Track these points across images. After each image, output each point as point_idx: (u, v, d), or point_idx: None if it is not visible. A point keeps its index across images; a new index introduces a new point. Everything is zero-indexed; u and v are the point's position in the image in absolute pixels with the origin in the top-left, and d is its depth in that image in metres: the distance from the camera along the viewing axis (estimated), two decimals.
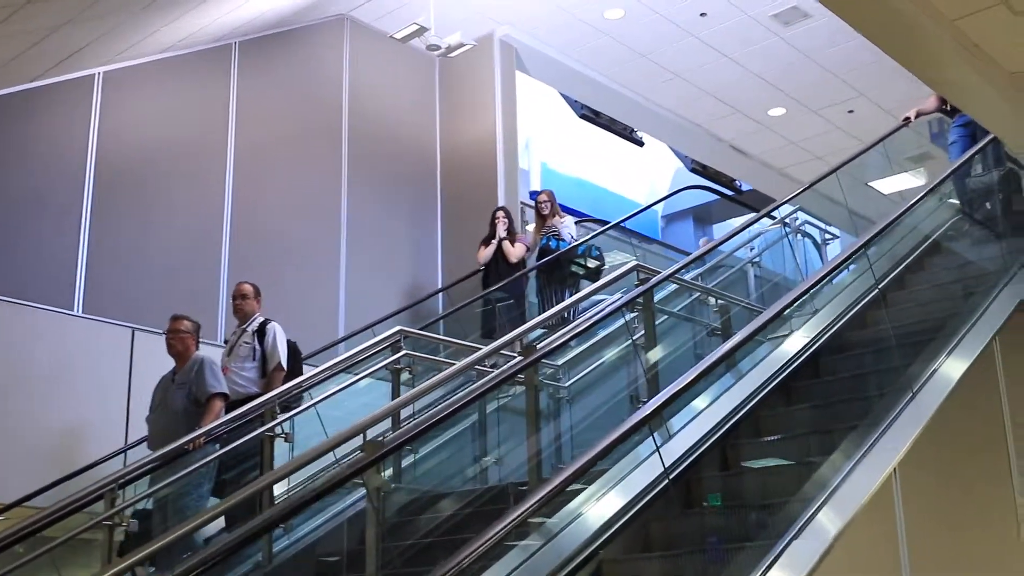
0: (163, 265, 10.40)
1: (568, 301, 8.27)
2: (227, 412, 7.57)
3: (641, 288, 6.63)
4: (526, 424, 6.64)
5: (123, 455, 8.79)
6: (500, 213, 11.60)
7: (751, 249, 10.16)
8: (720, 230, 20.67)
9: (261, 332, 8.32)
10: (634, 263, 7.43)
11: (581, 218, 13.99)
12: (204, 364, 7.63)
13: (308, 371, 8.71)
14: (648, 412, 4.84)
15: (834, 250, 11.14)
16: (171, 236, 10.56)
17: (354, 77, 12.73)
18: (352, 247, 12.07)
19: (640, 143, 16.88)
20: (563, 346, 6.69)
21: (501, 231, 11.40)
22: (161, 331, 9.70)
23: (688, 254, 15.04)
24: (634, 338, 7.12)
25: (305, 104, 12.24)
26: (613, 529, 5.30)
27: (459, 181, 13.16)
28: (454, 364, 8.36)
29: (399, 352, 8.06)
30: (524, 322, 10.56)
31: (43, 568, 6.87)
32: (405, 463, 7.43)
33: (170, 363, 8.03)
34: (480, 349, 8.05)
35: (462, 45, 11.49)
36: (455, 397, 6.37)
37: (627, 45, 13.45)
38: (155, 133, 10.75)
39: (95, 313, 9.70)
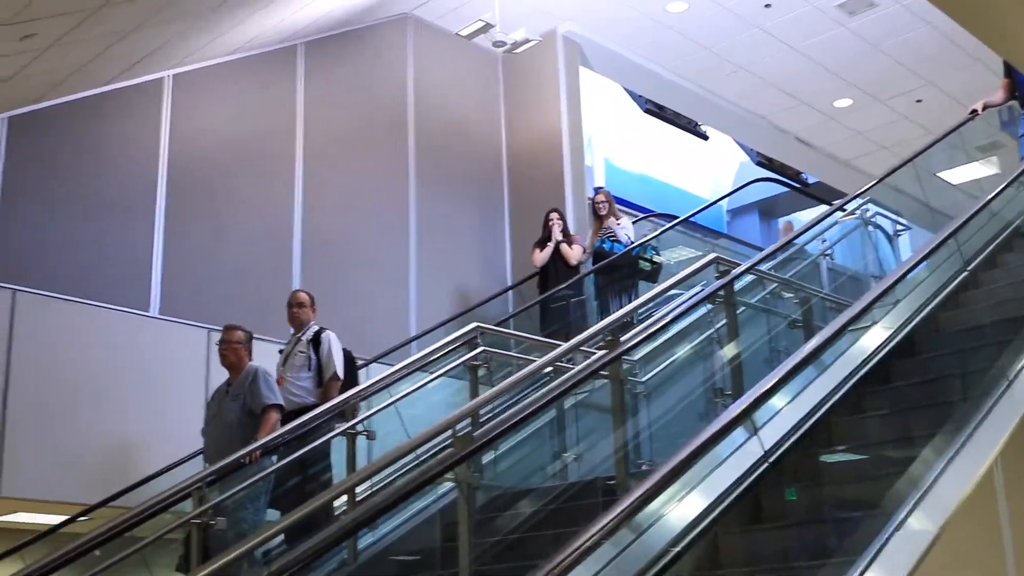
0: (236, 265, 10.47)
1: (647, 295, 8.14)
2: (283, 423, 7.46)
3: (724, 279, 6.56)
4: (610, 419, 6.60)
5: (202, 456, 8.85)
6: (554, 215, 11.44)
7: (823, 241, 10.03)
8: None
9: (316, 341, 8.19)
10: (714, 255, 7.35)
11: (646, 214, 13.91)
12: (258, 375, 7.51)
13: (382, 370, 8.71)
14: (754, 399, 4.74)
15: (905, 242, 10.97)
16: (243, 236, 10.62)
17: (419, 75, 12.74)
18: (421, 245, 12.07)
19: (704, 137, 16.76)
20: (643, 340, 6.59)
21: (557, 234, 11.26)
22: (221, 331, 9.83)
23: (756, 247, 15.01)
24: (717, 327, 7.04)
25: (371, 103, 12.26)
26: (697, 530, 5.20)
27: (525, 178, 13.13)
28: (529, 360, 8.40)
29: (476, 349, 8.00)
30: (587, 322, 10.53)
31: (132, 568, 6.93)
32: (485, 460, 7.39)
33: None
34: (558, 345, 8.04)
35: (527, 41, 11.46)
36: (540, 392, 6.30)
37: (690, 38, 13.35)
38: (225, 135, 10.82)
39: (171, 315, 9.78)
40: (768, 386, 4.87)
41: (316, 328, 8.29)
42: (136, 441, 8.71)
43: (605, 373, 5.99)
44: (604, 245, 11.23)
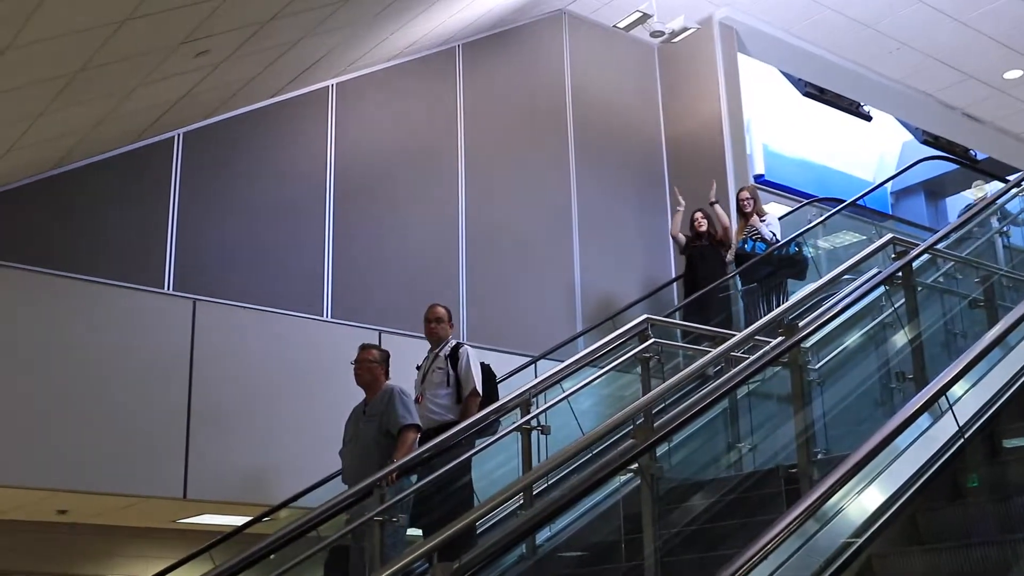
0: (403, 266, 10.64)
1: (820, 281, 7.96)
2: (423, 441, 7.34)
3: (905, 259, 6.39)
4: (780, 408, 6.50)
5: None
6: (699, 215, 11.24)
7: (999, 219, 9.69)
8: (953, 203, 19.86)
9: (454, 357, 7.93)
10: (890, 236, 7.17)
11: (809, 199, 13.65)
12: (395, 395, 7.36)
13: (551, 367, 8.72)
14: (955, 374, 4.62)
15: None
16: (409, 237, 10.79)
17: (575, 70, 12.77)
18: (584, 239, 12.10)
19: (868, 117, 16.37)
20: (823, 325, 6.46)
21: (722, 221, 11.07)
22: (409, 332, 9.98)
23: (924, 228, 14.58)
24: (891, 310, 6.87)
25: (529, 101, 12.34)
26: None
27: (686, 167, 13.04)
28: (700, 351, 8.32)
29: (647, 341, 7.95)
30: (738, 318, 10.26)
31: (311, 568, 7.09)
32: (659, 452, 7.35)
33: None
34: (727, 335, 7.94)
35: (685, 29, 11.39)
36: (720, 380, 6.23)
37: (850, 16, 13.06)
38: (388, 139, 11.01)
39: (342, 318, 10.01)
40: (968, 360, 4.73)
41: (454, 343, 8.10)
42: (313, 443, 8.90)
43: (784, 360, 5.87)
44: (746, 245, 10.91)
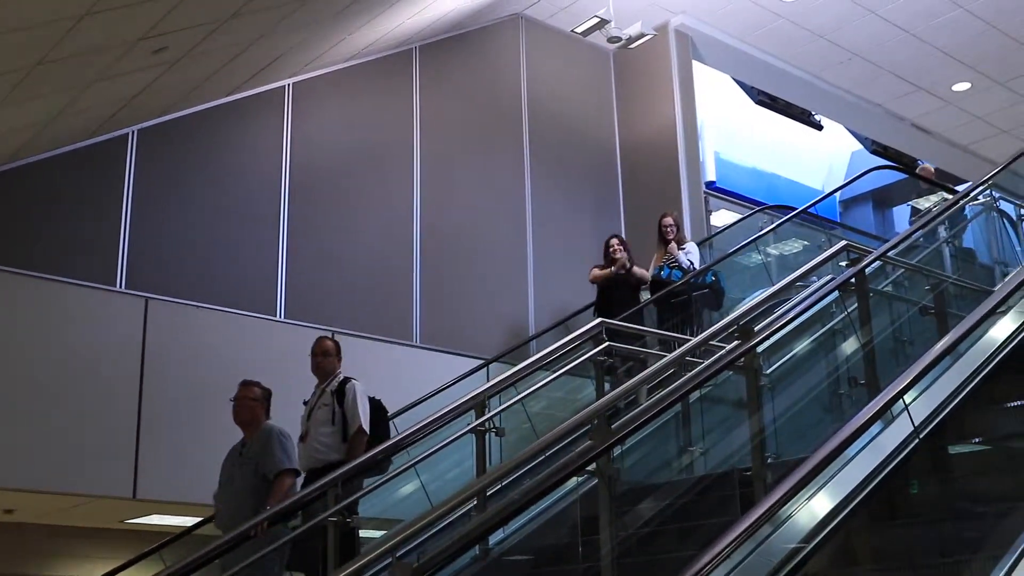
0: (357, 268, 10.63)
1: (774, 288, 8.03)
2: (308, 482, 7.07)
3: (858, 266, 6.47)
4: (733, 412, 6.57)
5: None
6: (615, 240, 10.57)
7: (946, 228, 9.84)
8: (900, 212, 20.07)
9: (341, 392, 7.44)
10: (844, 243, 7.28)
11: (760, 207, 13.75)
12: (272, 436, 6.91)
13: (504, 370, 8.73)
14: (911, 378, 4.68)
15: None
16: (363, 239, 10.78)
17: (531, 74, 12.81)
18: (539, 243, 12.14)
19: (819, 127, 16.53)
20: (778, 330, 6.53)
21: (624, 259, 10.28)
22: (362, 333, 9.98)
23: (872, 236, 14.75)
24: (842, 316, 6.96)
25: (486, 104, 12.37)
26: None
27: (640, 173, 13.13)
28: (655, 355, 8.38)
29: (601, 344, 7.99)
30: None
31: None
32: (615, 454, 7.38)
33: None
34: (682, 340, 8.01)
35: (642, 36, 11.45)
36: (676, 384, 6.28)
37: (803, 27, 13.22)
38: (343, 139, 10.99)
39: (296, 318, 9.97)
40: (923, 366, 4.80)
41: (342, 378, 7.59)
42: None
43: (739, 364, 5.93)
44: (662, 273, 10.47)
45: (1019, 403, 6.54)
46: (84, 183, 9.14)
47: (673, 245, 10.53)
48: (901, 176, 17.49)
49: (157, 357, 8.99)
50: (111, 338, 8.82)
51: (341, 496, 6.70)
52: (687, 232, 12.40)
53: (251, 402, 7.13)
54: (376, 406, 7.62)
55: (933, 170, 14.85)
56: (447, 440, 7.41)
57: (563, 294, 11.97)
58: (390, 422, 7.88)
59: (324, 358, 7.68)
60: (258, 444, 6.92)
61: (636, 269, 10.41)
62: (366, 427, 7.31)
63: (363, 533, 7.32)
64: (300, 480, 7.21)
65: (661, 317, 10.28)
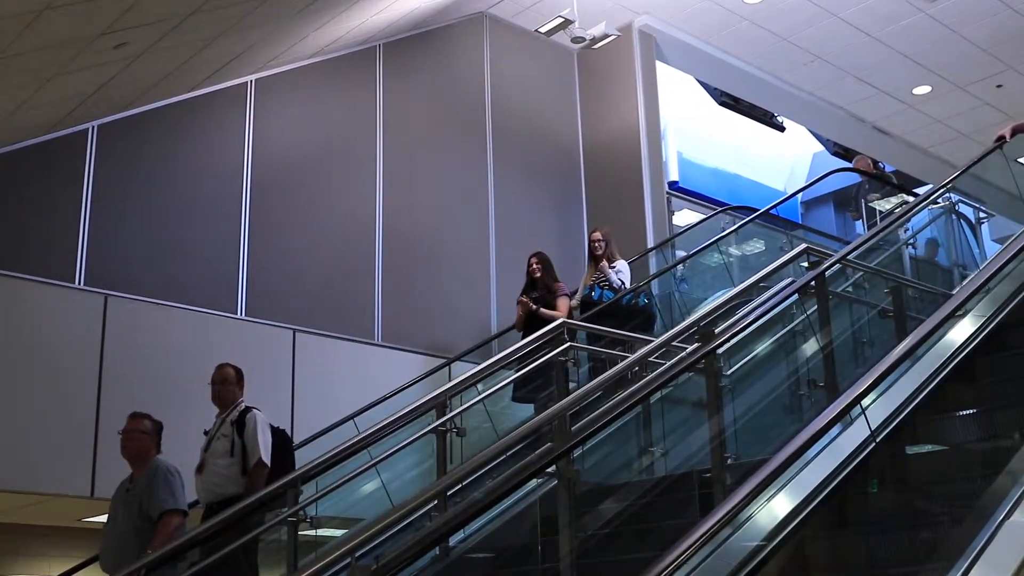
0: (320, 266, 10.59)
1: (737, 289, 8.06)
2: (206, 516, 6.79)
3: (818, 270, 6.51)
4: (692, 414, 6.60)
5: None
6: (534, 260, 9.93)
7: (906, 231, 9.93)
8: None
9: (241, 423, 7.08)
10: (804, 246, 7.32)
11: (722, 207, 13.81)
12: (159, 473, 6.48)
13: (466, 369, 8.72)
14: (872, 381, 4.72)
15: (986, 230, 10.83)
16: (325, 237, 10.74)
17: (495, 74, 12.81)
18: (501, 243, 12.13)
19: (781, 128, 16.64)
20: (740, 331, 6.55)
21: (532, 305, 9.59)
22: (323, 332, 9.94)
23: (833, 238, 14.86)
24: (801, 318, 7.00)
25: (449, 102, 12.36)
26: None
27: (603, 173, 13.16)
28: (616, 356, 8.39)
29: (563, 344, 8.00)
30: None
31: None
32: (575, 455, 7.39)
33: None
34: (644, 341, 8.02)
35: (606, 36, 11.46)
36: (636, 386, 6.31)
37: (767, 29, 13.28)
38: (306, 137, 10.95)
39: (256, 316, 9.92)
40: (883, 370, 4.84)
41: (243, 407, 7.22)
42: None
43: (700, 366, 5.96)
44: (592, 294, 9.96)
45: (973, 410, 6.59)
46: (43, 178, 9.05)
47: (604, 264, 10.02)
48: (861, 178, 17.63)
49: (116, 354, 8.91)
50: (70, 335, 8.74)
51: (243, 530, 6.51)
52: (649, 232, 12.47)
53: (140, 435, 6.71)
54: (281, 437, 7.32)
55: (871, 162, 14.98)
56: (408, 440, 7.41)
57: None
58: (294, 450, 7.60)
59: (223, 386, 7.32)
60: (144, 482, 6.51)
61: (543, 314, 9.48)
62: (266, 459, 6.96)
63: (323, 532, 7.31)
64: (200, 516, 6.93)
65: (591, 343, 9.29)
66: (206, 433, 7.27)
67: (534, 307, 9.58)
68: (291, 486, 6.88)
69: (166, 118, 9.88)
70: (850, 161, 17.00)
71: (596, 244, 10.12)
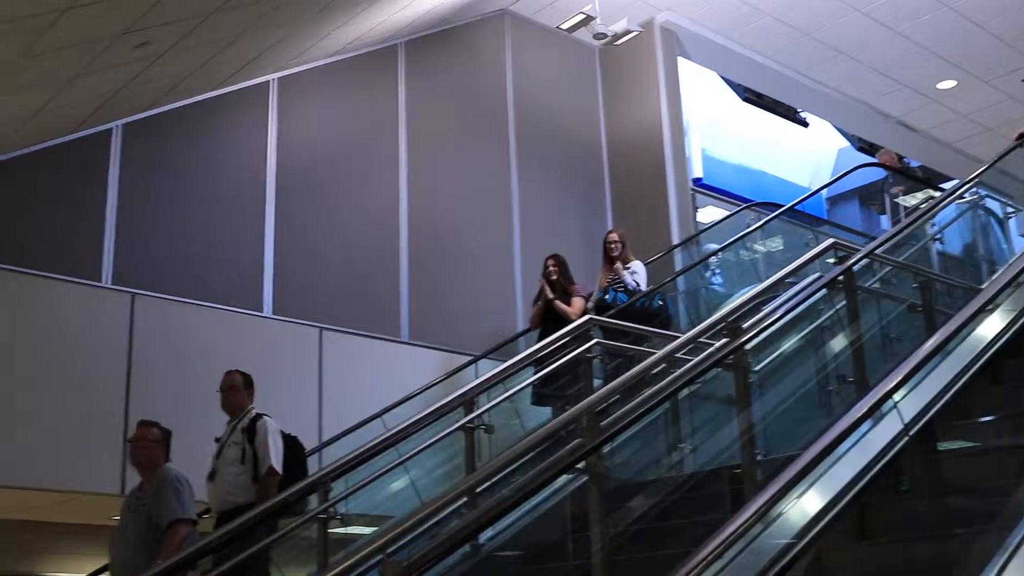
0: (345, 264, 10.60)
1: (763, 285, 8.00)
2: (218, 525, 6.74)
3: (846, 264, 6.48)
4: (721, 410, 6.56)
5: (318, 454, 8.96)
6: (551, 262, 9.95)
7: (932, 225, 9.87)
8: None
9: (252, 430, 7.03)
10: (832, 240, 7.28)
11: (747, 204, 13.76)
12: (167, 482, 6.37)
13: (493, 366, 8.71)
14: (905, 374, 4.68)
15: (1014, 225, 10.78)
16: (350, 234, 10.75)
17: (517, 71, 12.80)
18: (525, 240, 12.12)
19: (805, 124, 16.58)
20: (767, 327, 6.52)
21: (548, 292, 9.77)
22: (349, 329, 9.95)
23: (859, 234, 14.79)
24: (829, 314, 6.97)
25: (471, 99, 12.36)
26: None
27: (627, 170, 13.12)
28: (643, 352, 8.36)
29: (589, 341, 7.98)
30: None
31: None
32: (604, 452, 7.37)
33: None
34: (671, 337, 7.98)
35: (628, 32, 11.43)
36: (664, 382, 6.29)
37: (789, 24, 13.23)
38: (329, 135, 10.96)
39: (282, 314, 9.94)
40: (915, 363, 4.81)
41: (253, 414, 7.17)
42: None
43: (728, 361, 5.92)
44: (606, 296, 9.88)
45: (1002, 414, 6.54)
46: (69, 178, 9.10)
47: (619, 265, 9.98)
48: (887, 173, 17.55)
49: (144, 353, 8.95)
50: (98, 334, 8.77)
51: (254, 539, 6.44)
52: (674, 229, 12.43)
53: (149, 443, 6.63)
54: (292, 443, 7.25)
55: (895, 156, 14.89)
56: (436, 437, 7.40)
57: None
58: (306, 457, 7.54)
59: (231, 393, 7.26)
60: (152, 491, 6.41)
61: (558, 307, 9.71)
62: (278, 467, 6.91)
63: (352, 530, 7.32)
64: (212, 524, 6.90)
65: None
66: (217, 440, 7.22)
67: (552, 295, 9.69)
68: (303, 494, 6.82)
69: (190, 117, 9.91)
70: (875, 157, 16.93)
71: (612, 245, 10.11)
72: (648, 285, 10.15)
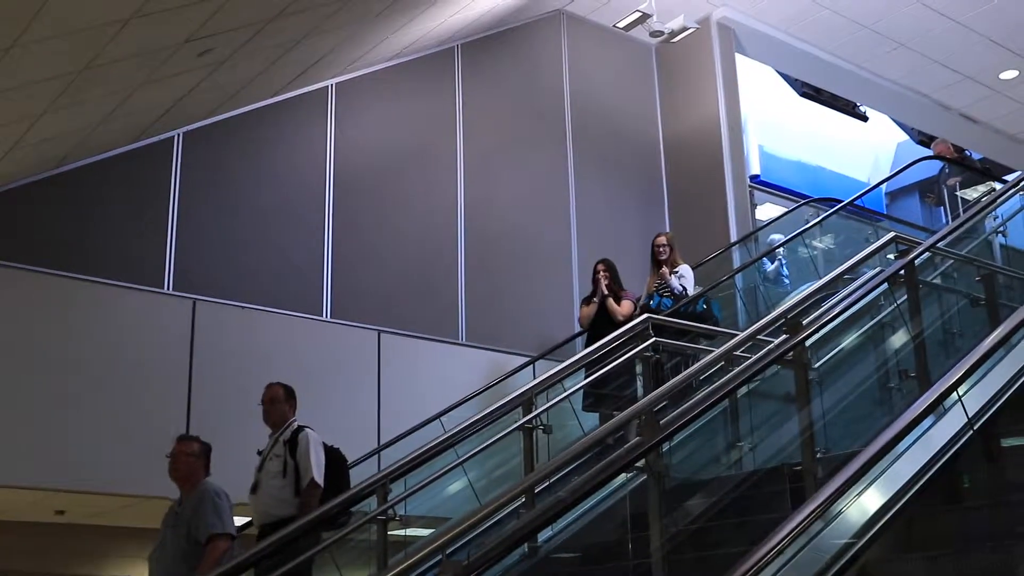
0: (403, 267, 10.65)
1: (823, 280, 7.91)
2: (260, 538, 6.63)
3: (906, 259, 6.42)
4: (779, 408, 6.53)
5: (377, 456, 9.01)
6: (600, 267, 9.94)
7: (995, 219, 9.73)
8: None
9: (293, 442, 6.95)
10: (893, 234, 7.20)
11: (805, 199, 13.65)
12: (206, 496, 6.28)
13: (550, 367, 8.69)
14: (970, 365, 4.63)
15: None
16: (409, 238, 10.80)
17: (573, 71, 12.80)
18: (583, 240, 12.11)
19: (864, 118, 16.42)
20: (828, 322, 6.46)
21: (603, 288, 9.77)
22: (408, 332, 10.00)
23: (919, 228, 14.62)
24: (891, 308, 6.90)
25: (528, 101, 12.37)
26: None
27: (684, 168, 13.08)
28: (702, 350, 8.33)
29: (648, 340, 7.95)
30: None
31: (320, 568, 7.06)
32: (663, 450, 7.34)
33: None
34: (729, 335, 7.93)
35: (685, 29, 11.37)
36: (725, 378, 6.26)
37: (847, 16, 13.10)
38: (386, 139, 11.01)
39: (342, 317, 10.02)
40: (979, 356, 4.76)
41: (295, 426, 7.08)
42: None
43: (788, 358, 5.88)
44: (651, 301, 9.78)
45: None
46: (131, 186, 9.22)
47: (665, 269, 9.87)
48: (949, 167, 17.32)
49: (205, 358, 9.07)
50: (160, 340, 8.90)
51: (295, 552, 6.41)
52: (732, 226, 12.35)
53: (188, 458, 6.52)
54: (334, 456, 7.17)
55: (951, 147, 14.64)
56: (495, 438, 7.42)
57: None
58: (348, 469, 7.42)
59: (272, 405, 7.18)
60: (191, 505, 6.32)
61: (610, 303, 9.71)
62: (319, 479, 6.84)
63: (410, 532, 7.35)
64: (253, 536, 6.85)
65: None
66: (259, 453, 7.15)
67: (607, 292, 9.67)
68: (345, 507, 6.76)
69: (249, 124, 10.00)
70: (930, 148, 16.73)
71: (660, 249, 9.98)
72: (695, 289, 10.03)
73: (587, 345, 9.24)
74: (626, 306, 9.69)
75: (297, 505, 6.77)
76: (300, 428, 7.03)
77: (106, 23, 6.43)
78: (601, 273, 9.86)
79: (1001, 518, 5.14)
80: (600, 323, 9.55)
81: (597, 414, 8.65)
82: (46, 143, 8.20)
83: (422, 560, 5.04)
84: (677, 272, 9.85)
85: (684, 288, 9.79)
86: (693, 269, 10.14)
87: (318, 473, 6.83)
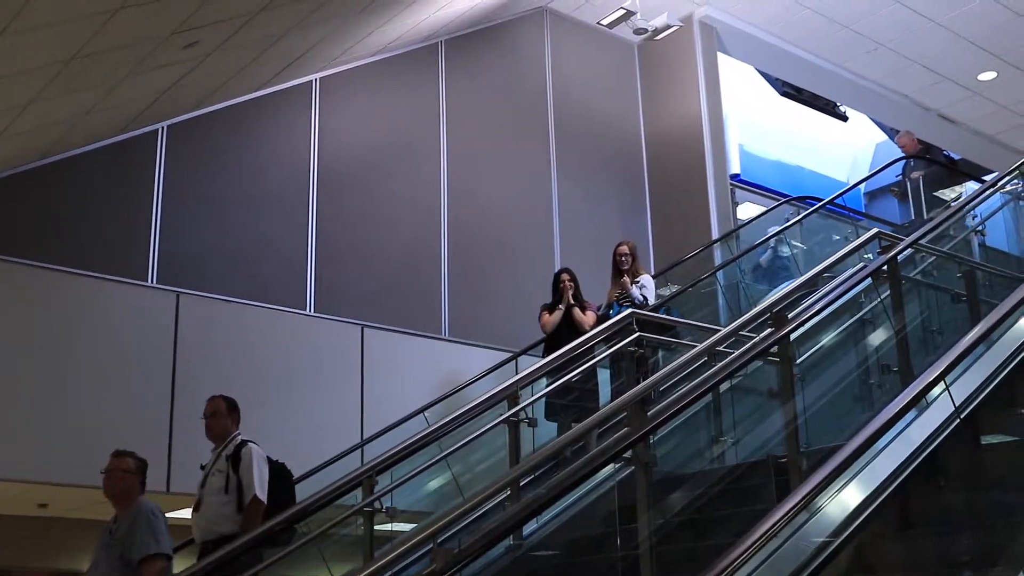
0: (387, 262, 10.67)
1: (805, 276, 7.96)
2: (202, 556, 6.45)
3: (890, 254, 6.47)
4: (763, 402, 6.57)
5: (359, 451, 9.02)
6: (565, 276, 9.72)
7: (974, 217, 9.82)
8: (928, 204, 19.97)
9: (236, 457, 6.69)
10: (876, 230, 7.27)
11: (785, 198, 13.72)
12: (141, 515, 5.99)
13: (533, 362, 8.71)
14: (956, 356, 4.68)
15: None
16: (393, 233, 10.83)
17: (556, 68, 12.84)
18: (565, 235, 12.16)
19: (844, 118, 16.50)
20: (810, 317, 6.51)
21: (570, 297, 9.55)
22: (391, 327, 10.00)
23: (900, 227, 14.70)
24: (873, 304, 6.96)
25: (511, 97, 12.41)
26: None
27: (666, 166, 13.14)
28: (685, 345, 8.36)
29: (631, 335, 7.98)
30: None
31: (302, 561, 7.07)
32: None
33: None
34: (712, 330, 7.97)
35: (668, 27, 11.46)
36: (709, 372, 6.30)
37: (828, 17, 13.20)
38: (370, 134, 11.04)
39: (325, 312, 10.02)
40: (963, 349, 4.81)
41: (238, 441, 6.82)
42: (296, 437, 8.90)
43: (773, 351, 5.93)
44: (611, 312, 9.52)
45: None
46: (115, 179, 9.21)
47: (626, 279, 9.68)
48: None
49: (189, 351, 9.05)
50: (144, 332, 8.89)
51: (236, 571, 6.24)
52: (713, 224, 12.41)
53: (124, 474, 6.26)
54: (278, 470, 6.90)
55: (916, 140, 14.64)
56: (481, 431, 7.44)
57: (591, 285, 11.96)
58: (294, 484, 7.20)
59: (215, 419, 6.90)
60: (126, 524, 6.03)
61: (576, 313, 9.52)
62: (262, 495, 6.57)
63: (393, 526, 7.36)
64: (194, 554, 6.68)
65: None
66: (202, 468, 6.92)
67: (572, 301, 9.49)
68: (288, 523, 6.60)
69: (234, 117, 10.01)
70: (894, 141, 16.80)
71: (622, 258, 9.80)
72: (656, 299, 9.94)
73: (546, 354, 9.19)
74: (591, 316, 9.54)
75: (240, 522, 6.53)
76: (243, 442, 6.77)
77: (94, 12, 6.41)
78: (567, 282, 9.66)
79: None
80: (561, 331, 9.39)
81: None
82: (31, 134, 8.18)
83: (416, 546, 5.05)
84: (639, 282, 9.70)
85: (645, 298, 9.61)
86: (674, 266, 10.17)
87: (261, 489, 6.57)
